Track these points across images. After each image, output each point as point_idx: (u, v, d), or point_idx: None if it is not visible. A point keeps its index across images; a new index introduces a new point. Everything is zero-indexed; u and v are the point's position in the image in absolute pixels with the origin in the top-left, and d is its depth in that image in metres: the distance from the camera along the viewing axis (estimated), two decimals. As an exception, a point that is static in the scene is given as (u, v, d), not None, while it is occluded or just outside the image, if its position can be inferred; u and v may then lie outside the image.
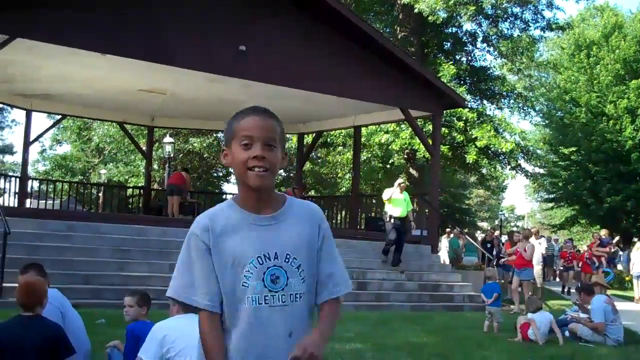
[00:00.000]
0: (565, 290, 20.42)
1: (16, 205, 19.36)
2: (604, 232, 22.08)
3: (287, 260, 2.35)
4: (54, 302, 5.50)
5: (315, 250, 2.43)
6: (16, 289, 5.11)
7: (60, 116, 23.84)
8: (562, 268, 22.20)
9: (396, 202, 15.71)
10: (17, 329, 4.92)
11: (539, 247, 17.20)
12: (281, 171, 33.31)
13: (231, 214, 2.39)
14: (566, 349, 9.60)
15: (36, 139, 22.53)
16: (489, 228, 16.07)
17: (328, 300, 2.45)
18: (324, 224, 2.48)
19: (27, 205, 21.08)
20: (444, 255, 21.71)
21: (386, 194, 15.96)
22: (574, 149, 30.38)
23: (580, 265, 20.71)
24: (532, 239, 16.43)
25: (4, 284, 10.31)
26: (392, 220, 15.64)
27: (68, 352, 5.02)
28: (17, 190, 20.38)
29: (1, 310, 7.98)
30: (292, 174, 35.53)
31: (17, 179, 20.88)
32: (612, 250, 20.31)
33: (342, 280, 2.49)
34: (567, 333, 10.78)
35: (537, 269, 16.28)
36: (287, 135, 22.62)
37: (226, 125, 2.44)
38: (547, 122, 33.99)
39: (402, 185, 15.91)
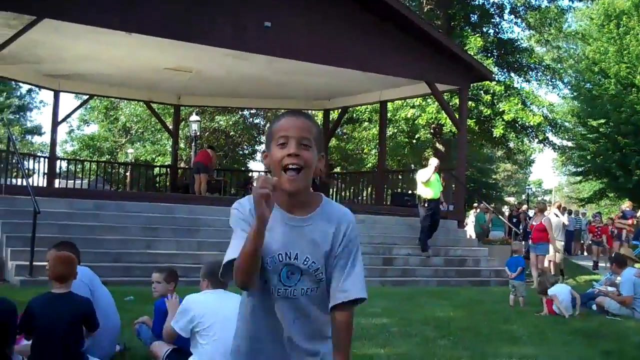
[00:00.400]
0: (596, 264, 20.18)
1: (45, 185, 19.62)
2: (627, 205, 21.75)
3: (305, 262, 2.49)
4: (84, 279, 5.59)
5: (335, 256, 2.53)
6: (49, 262, 5.21)
7: (87, 96, 24.03)
8: (590, 242, 22.02)
9: (431, 184, 15.25)
10: (49, 306, 5.03)
11: (558, 221, 16.68)
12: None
13: None
14: (593, 322, 9.56)
15: (64, 120, 22.76)
16: (515, 202, 15.89)
17: (338, 308, 2.51)
18: (352, 233, 2.55)
19: (56, 185, 21.30)
20: (470, 230, 21.64)
21: (423, 175, 15.34)
22: (602, 121, 29.92)
23: (606, 239, 20.54)
24: (552, 213, 16.26)
25: (35, 263, 10.46)
26: (426, 204, 15.19)
27: (95, 327, 5.16)
28: (46, 171, 20.64)
29: (33, 288, 8.12)
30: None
31: (46, 160, 21.14)
32: (635, 222, 19.88)
33: (352, 289, 2.51)
34: (594, 307, 10.74)
35: (558, 243, 15.68)
36: (312, 112, 22.60)
37: (267, 130, 2.58)
38: (575, 94, 33.51)
39: (437, 166, 15.33)
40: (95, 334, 5.27)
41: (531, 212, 21.71)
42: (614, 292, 10.70)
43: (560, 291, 10.29)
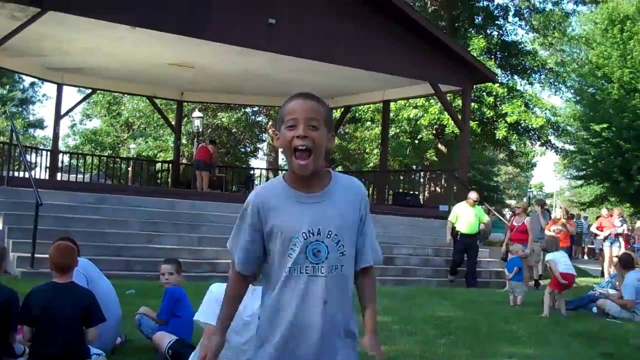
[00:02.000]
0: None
1: (47, 178, 19.62)
2: (617, 212, 20.58)
3: (328, 236, 2.57)
4: (80, 268, 5.60)
5: (356, 225, 2.68)
6: (50, 252, 5.23)
7: (90, 90, 24.02)
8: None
9: (463, 218, 14.43)
10: (50, 296, 5.04)
11: (539, 221, 15.38)
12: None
13: (280, 191, 2.63)
14: (593, 324, 9.56)
15: (67, 113, 22.75)
16: (516, 205, 15.87)
17: (363, 270, 2.73)
18: (365, 200, 2.73)
19: (58, 178, 21.32)
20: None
21: (452, 213, 14.61)
22: (605, 125, 29.85)
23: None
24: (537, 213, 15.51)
25: (36, 255, 10.47)
26: (459, 237, 14.47)
27: (99, 319, 5.12)
28: (48, 164, 20.64)
29: (34, 280, 8.12)
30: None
31: (48, 153, 21.14)
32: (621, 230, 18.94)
33: (376, 249, 2.78)
34: (594, 309, 10.74)
35: (536, 245, 14.70)
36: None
37: (278, 113, 2.67)
38: (578, 98, 33.49)
39: (470, 200, 14.49)
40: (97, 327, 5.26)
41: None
42: (615, 295, 10.71)
43: (559, 257, 10.57)
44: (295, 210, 2.58)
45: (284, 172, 2.72)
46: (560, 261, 10.53)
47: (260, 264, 2.67)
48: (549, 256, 11.01)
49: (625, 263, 11.10)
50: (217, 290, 5.08)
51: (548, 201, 71.60)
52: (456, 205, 14.92)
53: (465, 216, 14.45)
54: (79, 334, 5.07)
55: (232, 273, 2.72)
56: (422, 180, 23.40)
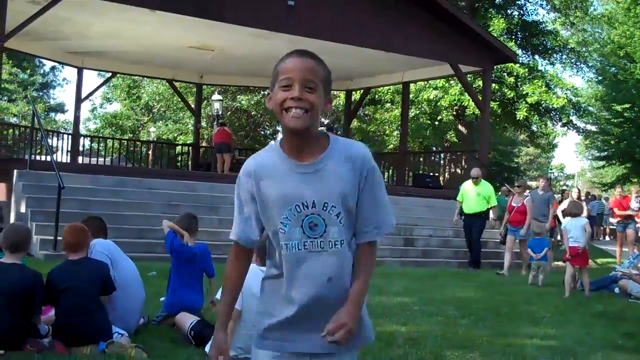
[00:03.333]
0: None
1: (69, 161, 19.77)
2: (634, 191, 19.88)
3: (324, 208, 2.33)
4: (103, 250, 5.81)
5: (356, 194, 2.38)
6: (63, 232, 5.53)
7: (110, 74, 24.10)
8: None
9: (464, 196, 14.06)
10: (69, 271, 5.27)
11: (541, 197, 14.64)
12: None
13: (274, 159, 2.40)
14: (615, 305, 9.51)
15: (87, 97, 22.89)
16: (516, 184, 15.66)
17: (363, 245, 2.43)
18: (368, 165, 2.40)
19: (79, 162, 21.47)
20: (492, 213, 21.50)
21: (460, 192, 14.21)
22: (627, 105, 29.58)
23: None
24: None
25: (59, 237, 10.55)
26: (462, 217, 14.17)
27: (113, 288, 5.38)
28: (69, 148, 20.79)
29: (57, 262, 8.18)
30: (339, 132, 35.50)
31: (69, 137, 21.29)
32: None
33: (381, 224, 2.43)
34: (617, 290, 10.69)
35: (535, 224, 13.31)
36: (335, 92, 22.56)
37: (273, 71, 2.40)
38: (600, 78, 33.19)
39: (475, 177, 13.96)
40: (112, 299, 5.44)
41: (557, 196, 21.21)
42: (636, 274, 10.65)
43: (574, 225, 10.33)
44: (289, 181, 2.34)
45: (280, 138, 2.46)
46: (570, 232, 10.36)
47: (260, 238, 2.45)
48: (565, 223, 10.84)
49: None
50: None
51: (569, 182, 71.29)
52: (463, 183, 14.55)
53: (468, 195, 14.01)
54: (98, 304, 5.29)
55: (230, 251, 2.52)
56: (442, 161, 23.33)
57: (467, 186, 14.09)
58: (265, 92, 36.92)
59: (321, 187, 2.34)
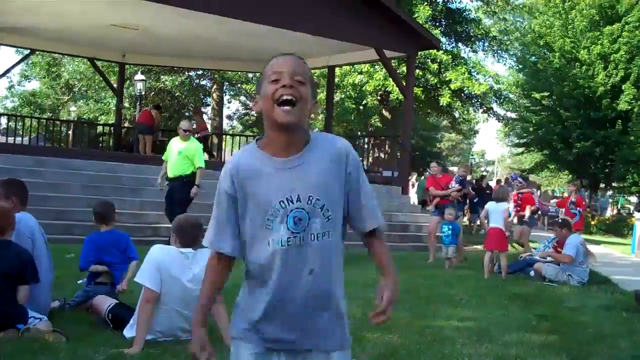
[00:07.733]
0: None
1: (-16, 140, 19.13)
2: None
3: (309, 202, 2.35)
4: (25, 231, 5.51)
5: (342, 186, 2.42)
6: None
7: (28, 51, 23.38)
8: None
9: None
10: None
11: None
12: (253, 112, 33.44)
13: (254, 158, 2.41)
14: (530, 288, 9.82)
15: (4, 74, 22.21)
16: (457, 172, 16.02)
17: (370, 237, 2.53)
18: (349, 157, 2.45)
19: (-4, 140, 20.81)
20: (413, 197, 21.89)
21: None
22: (546, 94, 30.41)
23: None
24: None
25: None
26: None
27: (33, 279, 5.12)
28: (-16, 126, 20.13)
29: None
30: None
31: (-15, 114, 20.59)
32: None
33: (376, 212, 2.51)
34: (532, 273, 11.02)
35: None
36: (257, 73, 22.44)
37: (259, 78, 2.44)
38: (520, 66, 33.99)
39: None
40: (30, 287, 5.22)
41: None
42: (553, 254, 11.10)
43: (495, 209, 10.98)
44: (271, 178, 2.35)
45: (257, 137, 2.47)
46: (492, 214, 10.92)
47: (239, 243, 2.44)
48: (488, 205, 11.38)
49: (569, 226, 11.48)
50: (156, 253, 5.11)
51: (489, 168, 72.96)
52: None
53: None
54: (9, 292, 5.05)
55: (212, 258, 2.49)
56: (366, 146, 23.52)
57: None
58: (190, 73, 36.52)
59: (306, 180, 2.36)
